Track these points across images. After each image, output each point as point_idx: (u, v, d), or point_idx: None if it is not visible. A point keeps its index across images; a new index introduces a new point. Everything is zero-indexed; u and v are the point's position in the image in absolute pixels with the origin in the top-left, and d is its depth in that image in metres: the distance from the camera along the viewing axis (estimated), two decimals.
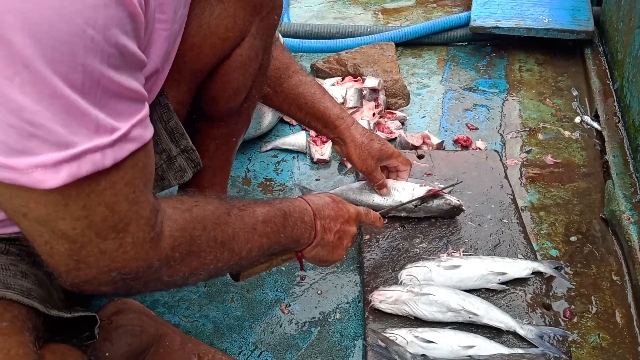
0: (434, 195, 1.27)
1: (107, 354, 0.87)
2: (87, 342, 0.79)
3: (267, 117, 1.64)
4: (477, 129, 1.71)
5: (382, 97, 1.69)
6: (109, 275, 0.63)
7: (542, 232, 1.36)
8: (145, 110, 0.62)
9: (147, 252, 0.65)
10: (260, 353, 1.13)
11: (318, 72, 1.86)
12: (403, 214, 1.28)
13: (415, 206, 1.27)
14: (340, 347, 1.13)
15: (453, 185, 1.34)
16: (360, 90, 1.68)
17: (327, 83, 1.75)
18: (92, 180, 0.57)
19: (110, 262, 0.62)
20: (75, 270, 0.62)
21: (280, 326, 1.17)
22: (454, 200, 1.26)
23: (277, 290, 1.25)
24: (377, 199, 1.29)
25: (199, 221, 0.74)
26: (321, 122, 1.23)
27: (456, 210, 1.27)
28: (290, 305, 1.21)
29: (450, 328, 1.05)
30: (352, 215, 1.04)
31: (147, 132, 0.62)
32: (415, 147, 1.60)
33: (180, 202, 0.75)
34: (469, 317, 1.06)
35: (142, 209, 0.63)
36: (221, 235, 0.77)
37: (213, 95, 0.95)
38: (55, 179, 0.54)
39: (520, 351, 1.01)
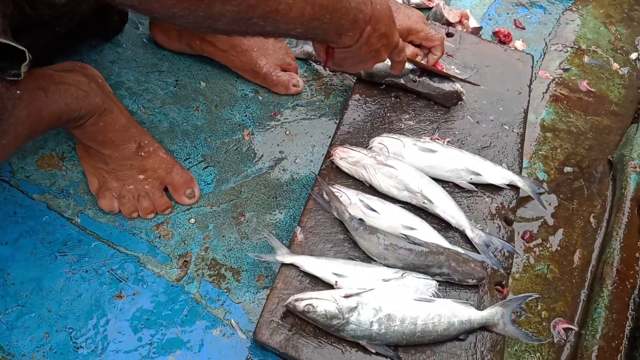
0: (441, 74, 1.15)
1: (36, 103, 0.81)
2: (11, 77, 0.73)
3: None
4: (524, 28, 1.52)
5: None
6: None
7: (539, 152, 1.25)
8: None
9: None
10: (207, 167, 1.08)
11: None
12: (401, 82, 1.16)
13: (420, 76, 1.14)
14: (288, 188, 1.08)
15: (470, 82, 1.19)
16: None
17: None
18: None
19: None
20: None
21: (236, 149, 1.12)
22: (457, 84, 1.14)
23: (246, 115, 1.17)
24: None
25: None
26: None
27: (455, 96, 1.15)
28: (253, 134, 1.15)
29: (400, 206, 0.99)
30: (394, 43, 0.93)
31: None
32: (450, 24, 1.43)
33: None
34: (423, 203, 0.99)
35: None
36: None
37: None
38: None
39: (460, 250, 0.95)
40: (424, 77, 1.15)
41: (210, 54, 1.21)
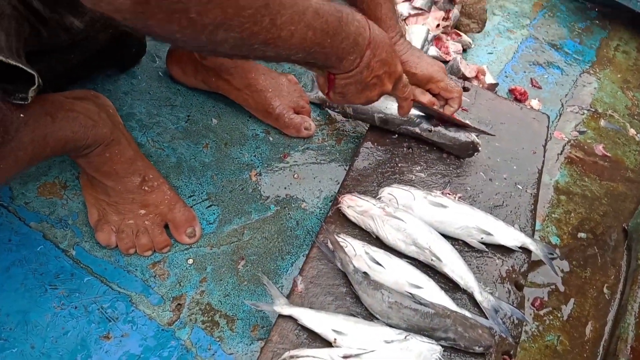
0: (457, 124, 1.13)
1: (42, 129, 0.79)
2: (18, 101, 0.72)
3: None
4: (540, 88, 1.51)
5: (455, 11, 1.49)
6: None
7: (553, 215, 1.21)
8: None
9: None
10: (210, 205, 1.05)
11: None
12: (416, 131, 1.14)
13: (435, 126, 1.13)
14: (292, 233, 1.05)
15: (486, 132, 1.18)
16: None
17: None
18: None
19: None
20: None
21: (242, 190, 1.09)
22: (473, 135, 1.12)
23: (255, 155, 1.15)
24: (394, 109, 1.14)
25: None
26: None
27: (472, 147, 1.12)
28: (261, 175, 1.12)
29: (407, 262, 0.95)
30: (397, 73, 0.91)
31: None
32: (466, 78, 1.42)
33: None
34: (431, 260, 0.95)
35: None
36: None
37: None
38: None
39: (467, 314, 0.90)
40: (439, 127, 1.13)
41: (224, 91, 1.20)
